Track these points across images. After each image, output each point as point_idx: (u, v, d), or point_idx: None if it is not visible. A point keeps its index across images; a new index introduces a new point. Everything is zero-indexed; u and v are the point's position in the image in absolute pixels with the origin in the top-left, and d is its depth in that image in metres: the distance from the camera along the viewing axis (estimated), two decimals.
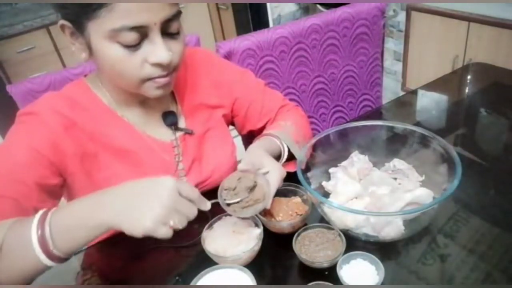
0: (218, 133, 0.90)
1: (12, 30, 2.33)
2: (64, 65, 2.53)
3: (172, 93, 0.86)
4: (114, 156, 0.77)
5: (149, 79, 0.68)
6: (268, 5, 2.85)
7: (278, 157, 0.84)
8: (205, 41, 1.34)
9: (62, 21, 0.65)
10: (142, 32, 0.63)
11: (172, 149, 0.83)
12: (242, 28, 2.98)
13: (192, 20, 2.88)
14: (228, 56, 1.12)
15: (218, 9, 3.10)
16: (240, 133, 1.02)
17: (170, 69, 0.69)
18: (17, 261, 0.57)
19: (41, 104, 0.73)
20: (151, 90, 0.71)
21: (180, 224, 0.57)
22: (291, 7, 2.99)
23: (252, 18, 2.93)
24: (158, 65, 0.66)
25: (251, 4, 2.87)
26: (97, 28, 0.62)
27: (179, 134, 0.84)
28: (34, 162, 0.68)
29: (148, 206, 0.55)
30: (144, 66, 0.66)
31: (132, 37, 0.62)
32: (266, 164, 0.74)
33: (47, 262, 0.56)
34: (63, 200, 0.79)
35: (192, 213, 0.59)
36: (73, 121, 0.73)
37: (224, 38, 3.22)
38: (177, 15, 0.66)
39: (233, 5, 2.94)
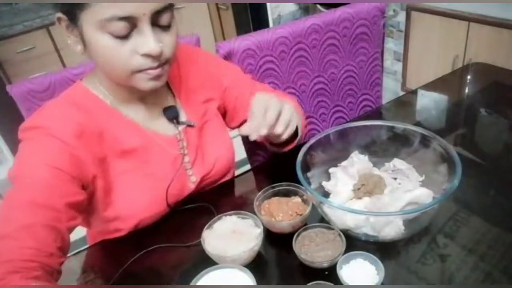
0: (215, 125, 0.92)
1: (12, 30, 2.32)
2: (64, 65, 2.52)
3: (170, 89, 0.87)
4: (121, 155, 0.77)
5: (140, 70, 0.69)
6: (268, 5, 2.84)
7: None
8: (205, 41, 1.34)
9: (58, 14, 0.67)
10: (132, 23, 0.64)
11: (177, 143, 0.84)
12: (242, 28, 2.98)
13: (192, 20, 2.88)
14: (228, 56, 1.12)
15: (218, 9, 3.10)
16: (231, 127, 1.00)
17: (161, 61, 0.69)
18: None
19: (45, 116, 0.71)
20: (143, 82, 0.71)
21: None
22: (291, 7, 2.99)
23: (252, 18, 2.93)
24: (148, 56, 0.67)
25: (251, 4, 2.87)
26: (89, 19, 0.64)
27: (181, 127, 0.85)
28: (58, 182, 0.65)
29: None
30: (134, 57, 0.67)
31: (121, 27, 0.63)
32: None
33: None
34: None
35: None
36: (82, 125, 0.71)
37: (224, 38, 3.22)
38: (168, 7, 0.67)
39: (233, 5, 2.94)
